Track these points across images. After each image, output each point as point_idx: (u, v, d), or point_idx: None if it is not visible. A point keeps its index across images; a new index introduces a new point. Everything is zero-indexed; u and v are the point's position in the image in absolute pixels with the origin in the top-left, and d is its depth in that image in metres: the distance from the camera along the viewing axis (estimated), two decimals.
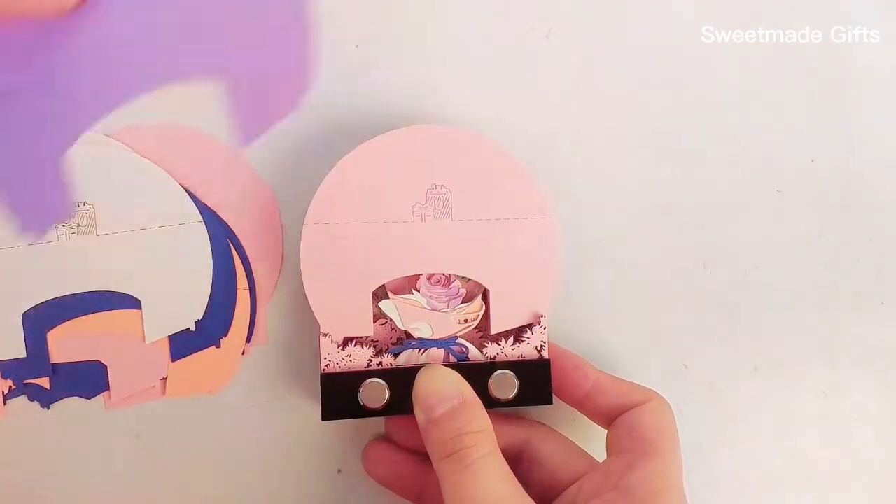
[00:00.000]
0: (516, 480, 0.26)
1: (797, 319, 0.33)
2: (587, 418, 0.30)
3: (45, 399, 0.30)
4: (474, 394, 0.27)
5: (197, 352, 0.31)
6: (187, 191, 0.31)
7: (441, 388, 0.27)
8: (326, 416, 0.29)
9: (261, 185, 0.32)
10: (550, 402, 0.29)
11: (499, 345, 0.30)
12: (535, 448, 0.30)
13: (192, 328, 0.31)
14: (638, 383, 0.29)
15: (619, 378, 0.30)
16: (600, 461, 0.29)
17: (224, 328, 0.31)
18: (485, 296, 0.30)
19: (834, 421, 0.33)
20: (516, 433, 0.30)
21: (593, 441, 0.30)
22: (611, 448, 0.29)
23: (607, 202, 0.33)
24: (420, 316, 0.30)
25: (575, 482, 0.28)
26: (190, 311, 0.31)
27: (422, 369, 0.28)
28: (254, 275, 0.32)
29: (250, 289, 0.32)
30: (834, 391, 0.33)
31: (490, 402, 0.29)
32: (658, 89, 0.33)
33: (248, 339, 0.32)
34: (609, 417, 0.29)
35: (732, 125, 0.33)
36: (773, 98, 0.33)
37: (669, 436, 0.28)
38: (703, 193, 0.33)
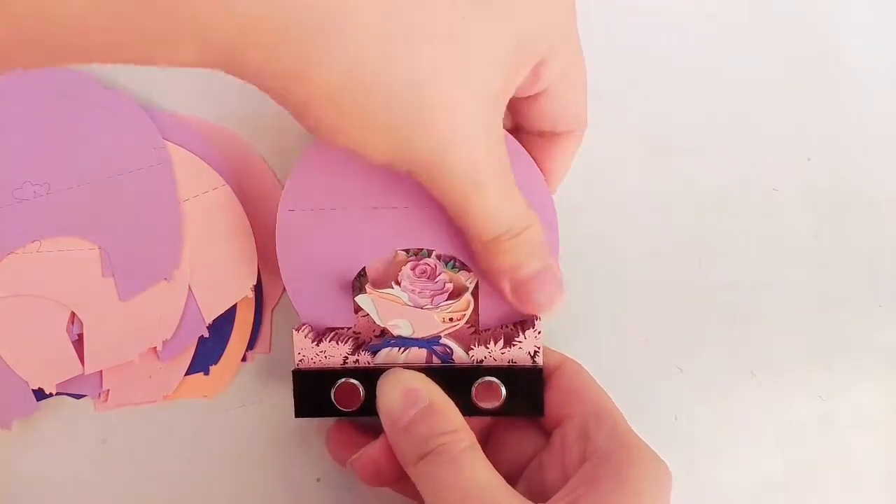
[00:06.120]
0: (498, 473, 0.24)
1: (793, 321, 0.32)
2: None
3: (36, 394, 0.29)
4: (444, 395, 0.25)
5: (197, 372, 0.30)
6: None
7: (402, 395, 0.25)
8: (300, 413, 0.27)
9: (272, 189, 0.30)
10: (542, 414, 0.27)
11: (487, 347, 0.27)
12: (499, 433, 0.28)
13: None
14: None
15: None
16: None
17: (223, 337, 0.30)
18: (474, 291, 0.27)
19: (831, 424, 0.32)
20: (482, 419, 0.28)
21: None
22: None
23: (601, 201, 0.31)
24: (399, 313, 0.27)
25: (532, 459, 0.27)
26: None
27: (381, 376, 0.26)
28: (261, 281, 0.30)
29: (256, 292, 0.30)
30: (830, 394, 0.32)
31: (472, 411, 0.26)
32: (654, 87, 0.32)
33: (251, 346, 0.31)
34: None
35: (728, 124, 0.32)
36: (770, 97, 0.32)
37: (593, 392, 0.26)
38: (698, 192, 0.32)
